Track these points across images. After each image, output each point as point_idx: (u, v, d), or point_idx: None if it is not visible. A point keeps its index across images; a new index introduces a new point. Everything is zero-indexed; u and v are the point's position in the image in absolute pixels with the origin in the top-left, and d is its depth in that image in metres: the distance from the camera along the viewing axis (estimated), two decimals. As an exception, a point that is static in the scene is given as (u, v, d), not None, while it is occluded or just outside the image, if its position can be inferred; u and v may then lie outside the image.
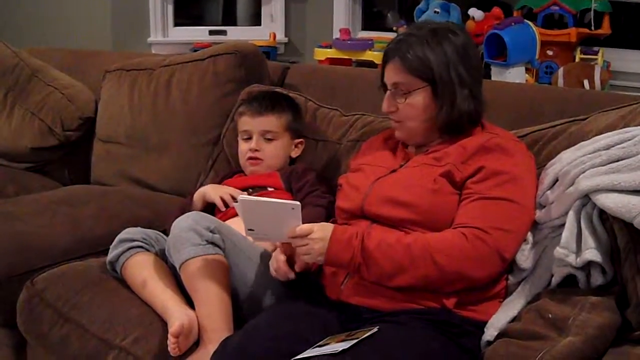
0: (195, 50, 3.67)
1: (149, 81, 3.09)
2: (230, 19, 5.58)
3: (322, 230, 1.80)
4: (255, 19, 5.20)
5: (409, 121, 1.98)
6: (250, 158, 2.42)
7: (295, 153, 2.50)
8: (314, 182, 2.34)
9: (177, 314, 1.90)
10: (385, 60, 1.99)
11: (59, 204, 2.71)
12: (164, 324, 1.93)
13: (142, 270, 2.08)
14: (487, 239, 1.76)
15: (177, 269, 1.98)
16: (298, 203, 1.78)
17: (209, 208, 2.35)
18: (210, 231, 1.97)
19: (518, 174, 1.86)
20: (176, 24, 5.08)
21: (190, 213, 2.04)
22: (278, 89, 2.74)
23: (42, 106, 3.24)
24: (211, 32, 5.04)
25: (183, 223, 1.98)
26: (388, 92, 1.99)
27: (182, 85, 2.99)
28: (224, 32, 5.05)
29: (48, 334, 2.10)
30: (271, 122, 2.42)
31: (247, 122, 2.44)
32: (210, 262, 1.94)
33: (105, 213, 2.65)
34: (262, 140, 2.42)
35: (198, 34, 5.04)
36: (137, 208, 2.73)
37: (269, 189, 2.36)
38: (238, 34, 5.01)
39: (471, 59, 1.95)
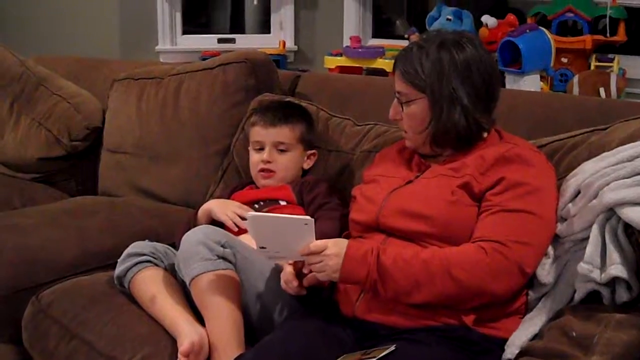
0: (204, 59, 3.64)
1: (157, 90, 3.06)
2: (238, 27, 5.56)
3: (336, 247, 1.75)
4: (264, 27, 5.18)
5: (410, 131, 1.97)
6: (262, 170, 2.37)
7: (307, 165, 2.44)
8: (325, 194, 2.29)
9: (187, 332, 1.85)
10: (393, 68, 1.98)
11: (66, 216, 2.68)
12: (174, 342, 1.88)
13: (150, 285, 2.03)
14: (507, 253, 1.70)
15: (187, 284, 1.93)
16: (311, 218, 1.73)
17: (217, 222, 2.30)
18: (222, 245, 1.92)
19: (539, 185, 1.81)
20: (184, 32, 5.06)
21: (201, 226, 1.99)
22: (289, 99, 2.70)
23: (49, 116, 3.22)
24: (220, 40, 5.02)
25: (193, 237, 1.93)
26: (395, 99, 1.97)
27: (191, 94, 2.96)
28: (232, 40, 5.03)
29: (54, 351, 2.06)
30: (284, 133, 2.37)
31: (260, 133, 2.39)
32: (221, 277, 1.89)
33: (113, 225, 2.62)
34: (274, 152, 2.37)
35: (206, 42, 5.02)
36: (145, 220, 2.70)
37: (281, 203, 2.31)
38: (247, 42, 4.99)
39: (473, 75, 1.88)
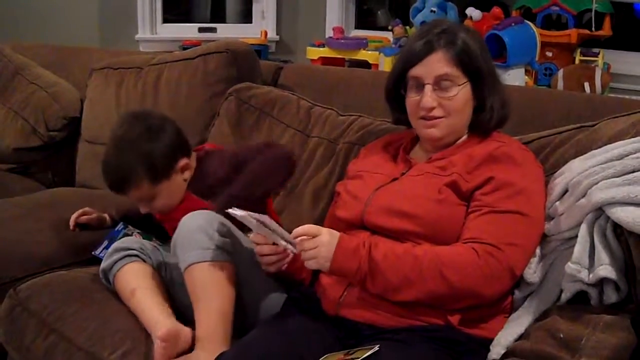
0: (185, 48, 3.61)
1: (137, 80, 3.03)
2: (219, 16, 5.50)
3: (329, 235, 1.72)
4: (245, 16, 5.13)
5: (455, 116, 1.87)
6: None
7: (186, 176, 2.20)
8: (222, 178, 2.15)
9: (163, 322, 1.82)
10: (424, 53, 1.85)
11: (42, 209, 2.65)
12: (154, 338, 1.86)
13: (133, 278, 1.99)
14: (499, 256, 1.68)
15: (182, 270, 1.87)
16: (266, 216, 1.70)
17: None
18: (222, 235, 1.87)
19: (528, 185, 1.78)
20: (165, 21, 5.00)
21: (202, 212, 1.92)
22: (270, 88, 2.65)
23: (26, 105, 3.18)
24: (201, 30, 4.98)
25: (193, 222, 1.88)
26: (428, 87, 1.85)
27: (171, 84, 2.92)
28: (214, 30, 4.98)
29: (31, 346, 2.01)
30: (135, 196, 2.16)
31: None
32: (217, 269, 1.85)
33: (91, 218, 2.56)
34: (146, 205, 2.20)
35: (187, 31, 4.97)
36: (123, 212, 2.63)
37: None
38: (228, 31, 4.94)
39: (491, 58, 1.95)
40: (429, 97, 1.84)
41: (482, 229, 1.72)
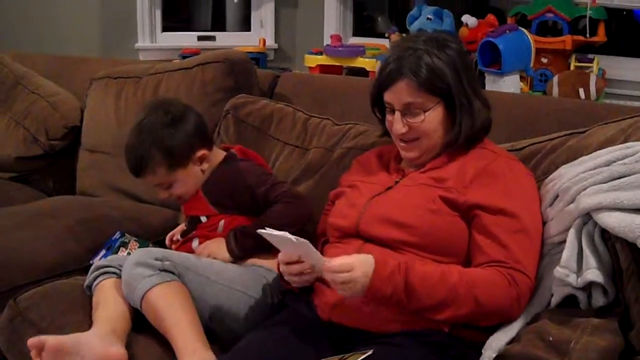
0: (184, 57, 3.62)
1: (136, 89, 3.04)
2: (219, 24, 5.53)
3: (363, 265, 1.67)
4: (245, 25, 5.15)
5: (426, 139, 1.89)
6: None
7: (204, 167, 2.24)
8: (247, 185, 2.19)
9: (77, 337, 1.84)
10: (392, 80, 1.87)
11: (43, 217, 2.66)
12: (150, 345, 1.88)
13: (103, 293, 1.99)
14: (526, 280, 1.72)
15: (139, 308, 1.90)
16: (304, 240, 1.67)
17: None
18: (160, 260, 1.91)
19: (533, 205, 1.83)
20: (164, 29, 5.01)
21: (135, 252, 1.97)
22: (265, 100, 2.66)
23: (27, 114, 3.20)
24: (200, 38, 4.98)
25: (128, 263, 1.92)
26: (397, 113, 1.88)
27: (169, 94, 2.92)
28: (212, 38, 4.99)
29: (30, 355, 2.01)
30: (151, 181, 2.23)
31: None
32: (169, 288, 1.89)
33: (90, 227, 2.59)
34: (165, 191, 2.25)
35: (186, 39, 4.98)
36: (124, 220, 2.67)
37: (202, 219, 2.24)
38: (227, 39, 4.95)
39: (471, 66, 1.93)
40: (398, 123, 1.88)
41: (507, 250, 1.74)
